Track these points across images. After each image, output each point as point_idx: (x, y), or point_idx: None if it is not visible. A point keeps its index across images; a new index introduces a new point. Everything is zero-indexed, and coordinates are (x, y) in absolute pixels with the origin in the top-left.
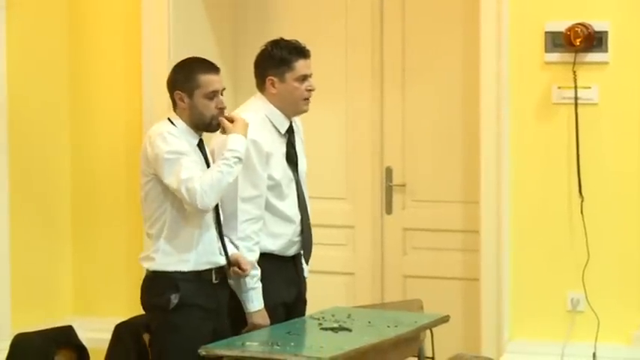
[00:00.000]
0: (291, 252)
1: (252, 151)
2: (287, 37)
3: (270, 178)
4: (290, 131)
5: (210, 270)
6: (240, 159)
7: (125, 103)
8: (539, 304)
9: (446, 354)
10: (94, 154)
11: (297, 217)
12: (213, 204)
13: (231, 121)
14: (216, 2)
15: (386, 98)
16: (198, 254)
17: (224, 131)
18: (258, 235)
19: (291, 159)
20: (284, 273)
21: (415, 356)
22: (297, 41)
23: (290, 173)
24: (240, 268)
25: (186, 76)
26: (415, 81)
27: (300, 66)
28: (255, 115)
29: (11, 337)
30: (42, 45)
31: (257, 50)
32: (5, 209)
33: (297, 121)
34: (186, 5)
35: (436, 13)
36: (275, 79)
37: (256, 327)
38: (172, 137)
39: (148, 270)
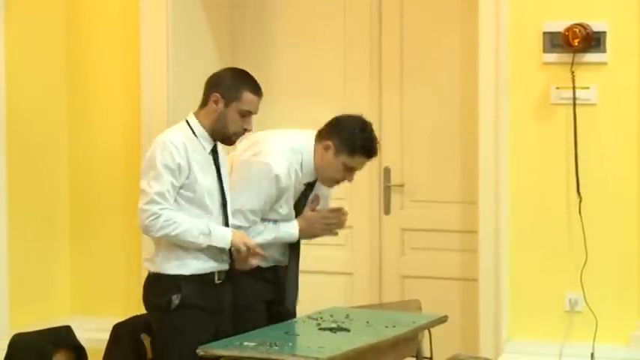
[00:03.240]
0: (265, 265)
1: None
2: (285, 39)
3: (273, 210)
4: (312, 184)
5: (212, 272)
6: (207, 236)
7: (123, 103)
8: (537, 304)
9: (444, 354)
10: (92, 154)
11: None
12: (157, 237)
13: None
14: (215, 2)
15: (384, 99)
16: (201, 261)
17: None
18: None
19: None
20: (259, 277)
21: (413, 356)
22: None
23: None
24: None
25: (234, 85)
26: (413, 81)
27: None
28: (297, 154)
29: (9, 337)
30: (40, 46)
31: (255, 50)
32: (3, 209)
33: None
34: (185, 5)
35: (434, 13)
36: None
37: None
38: (172, 149)
39: (149, 270)
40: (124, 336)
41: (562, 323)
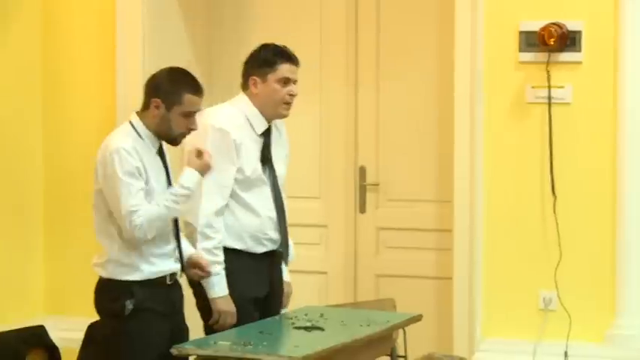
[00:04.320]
0: (260, 250)
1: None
2: (261, 37)
3: (239, 171)
4: (267, 134)
5: (164, 276)
6: (189, 196)
7: (98, 101)
8: (511, 302)
9: (418, 353)
10: (67, 153)
11: (268, 214)
12: (151, 237)
13: (199, 155)
14: (191, 1)
15: (360, 97)
16: (153, 265)
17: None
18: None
19: (265, 160)
20: (254, 268)
21: (388, 355)
22: (286, 47)
23: (262, 173)
24: (201, 269)
25: (173, 89)
26: (390, 80)
27: (284, 69)
28: (233, 109)
29: None
30: (15, 43)
31: (231, 49)
32: None
33: (282, 130)
34: (160, 3)
35: (411, 12)
36: (257, 79)
37: (221, 314)
38: (127, 156)
39: (100, 276)
40: (98, 336)
41: (536, 321)
